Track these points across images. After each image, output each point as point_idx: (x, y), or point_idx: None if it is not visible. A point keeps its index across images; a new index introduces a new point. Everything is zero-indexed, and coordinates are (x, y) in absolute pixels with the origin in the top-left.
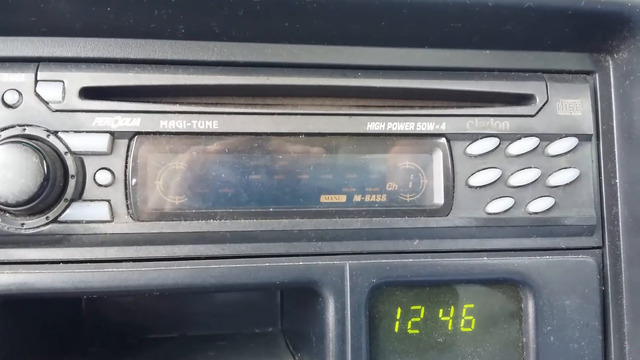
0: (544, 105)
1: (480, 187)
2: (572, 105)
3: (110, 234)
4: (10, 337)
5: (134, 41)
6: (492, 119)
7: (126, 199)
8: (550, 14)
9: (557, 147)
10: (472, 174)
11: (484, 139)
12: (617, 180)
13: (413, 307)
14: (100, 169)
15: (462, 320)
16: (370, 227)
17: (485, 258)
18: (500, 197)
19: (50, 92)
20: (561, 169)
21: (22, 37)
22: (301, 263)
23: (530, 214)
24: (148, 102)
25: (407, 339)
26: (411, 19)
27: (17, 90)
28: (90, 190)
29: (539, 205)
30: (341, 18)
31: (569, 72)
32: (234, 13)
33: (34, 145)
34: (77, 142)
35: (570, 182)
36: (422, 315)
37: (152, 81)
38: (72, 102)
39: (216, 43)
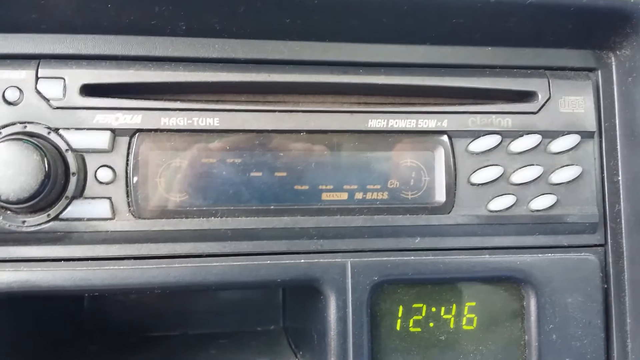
0: (546, 102)
1: (482, 184)
2: (575, 103)
3: (111, 231)
4: (11, 334)
5: (134, 38)
6: (494, 116)
7: (127, 196)
8: (552, 10)
9: (560, 144)
10: (474, 172)
11: (486, 136)
12: (620, 178)
13: (415, 305)
14: (101, 167)
15: (464, 318)
16: (372, 225)
17: (487, 256)
18: (502, 195)
19: (51, 89)
20: (563, 166)
21: (23, 34)
22: (302, 261)
23: (533, 211)
24: (149, 99)
25: (409, 337)
26: (412, 15)
27: (18, 88)
28: (91, 187)
29: (541, 202)
30: (342, 14)
31: (572, 69)
32: (235, 10)
33: (35, 142)
34: (78, 140)
35: (573, 180)
36: (423, 313)
37: (153, 78)
38: (73, 99)
39: (217, 40)
